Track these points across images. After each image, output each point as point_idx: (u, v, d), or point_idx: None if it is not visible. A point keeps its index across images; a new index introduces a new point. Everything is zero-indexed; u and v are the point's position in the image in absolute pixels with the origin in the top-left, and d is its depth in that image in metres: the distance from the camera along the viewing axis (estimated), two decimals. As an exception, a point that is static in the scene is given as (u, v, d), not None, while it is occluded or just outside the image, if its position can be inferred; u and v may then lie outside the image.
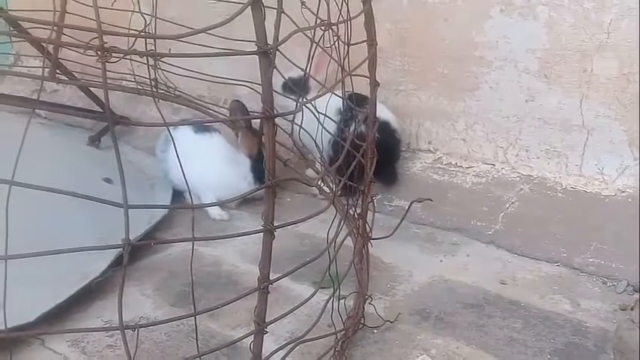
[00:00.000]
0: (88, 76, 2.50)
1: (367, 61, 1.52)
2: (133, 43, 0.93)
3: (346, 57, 1.37)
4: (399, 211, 2.13)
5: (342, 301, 1.45)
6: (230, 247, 1.94)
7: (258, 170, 2.12)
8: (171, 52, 1.05)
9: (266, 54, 0.97)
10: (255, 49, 0.96)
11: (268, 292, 1.08)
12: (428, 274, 1.78)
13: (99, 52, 0.86)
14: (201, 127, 2.21)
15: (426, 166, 2.21)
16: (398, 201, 2.15)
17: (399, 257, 1.85)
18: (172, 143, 2.16)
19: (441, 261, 1.85)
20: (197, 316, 1.56)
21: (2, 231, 1.65)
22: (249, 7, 0.95)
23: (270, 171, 1.02)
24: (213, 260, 1.87)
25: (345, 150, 1.38)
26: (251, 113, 2.10)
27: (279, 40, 1.00)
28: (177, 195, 2.23)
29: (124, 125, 2.73)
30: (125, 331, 0.95)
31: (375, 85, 1.56)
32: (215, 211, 2.16)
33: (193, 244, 0.99)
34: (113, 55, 0.87)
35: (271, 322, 1.10)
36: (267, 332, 1.10)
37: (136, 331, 0.95)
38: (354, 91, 1.55)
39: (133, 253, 1.86)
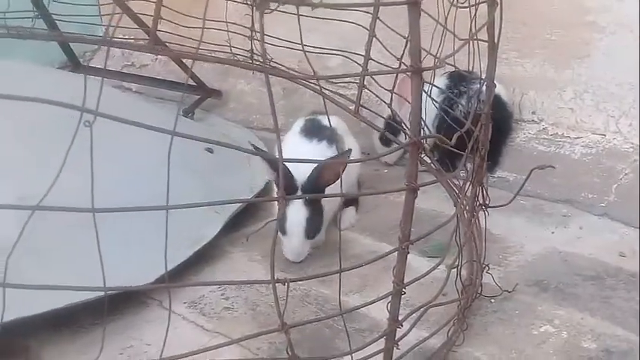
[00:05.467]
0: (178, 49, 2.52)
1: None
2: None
3: (474, 19, 1.33)
4: (502, 182, 2.07)
5: (454, 270, 1.42)
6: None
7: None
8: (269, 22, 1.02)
9: (416, 4, 0.94)
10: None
11: (408, 252, 1.06)
12: (540, 245, 1.72)
13: (255, 2, 0.85)
14: (310, 132, 1.82)
15: (530, 137, 2.13)
16: (501, 172, 2.09)
17: (507, 228, 1.79)
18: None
19: (553, 233, 1.79)
20: (309, 281, 1.57)
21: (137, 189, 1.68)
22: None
23: (415, 126, 0.99)
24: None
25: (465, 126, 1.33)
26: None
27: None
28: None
29: (216, 98, 2.76)
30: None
31: (493, 48, 1.51)
32: None
33: (341, 199, 0.98)
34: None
35: (410, 283, 1.08)
36: (404, 293, 1.09)
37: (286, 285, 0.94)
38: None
39: (238, 221, 1.89)
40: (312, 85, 2.10)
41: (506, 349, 1.33)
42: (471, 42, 1.33)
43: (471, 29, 1.29)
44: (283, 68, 2.50)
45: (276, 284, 0.91)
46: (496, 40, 1.45)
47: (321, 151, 1.70)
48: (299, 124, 1.84)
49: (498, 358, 1.30)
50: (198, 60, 0.97)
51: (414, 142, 0.98)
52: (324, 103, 1.01)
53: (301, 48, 2.12)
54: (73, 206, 0.82)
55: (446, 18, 1.29)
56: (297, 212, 1.61)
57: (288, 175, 1.54)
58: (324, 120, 1.84)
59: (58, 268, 1.46)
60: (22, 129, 1.74)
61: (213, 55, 2.55)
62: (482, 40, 1.46)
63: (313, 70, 0.98)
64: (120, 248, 1.54)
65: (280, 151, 0.86)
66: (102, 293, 0.89)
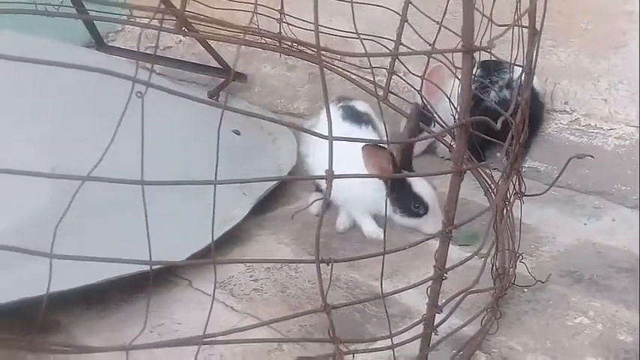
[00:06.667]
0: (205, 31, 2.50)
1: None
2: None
3: (518, 3, 1.31)
4: (532, 172, 2.05)
5: (488, 259, 1.40)
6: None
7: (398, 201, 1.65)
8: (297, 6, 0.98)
9: (471, -18, 0.92)
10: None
11: (451, 237, 1.04)
12: (572, 236, 1.70)
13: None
14: (353, 118, 1.78)
15: (561, 127, 2.10)
16: (531, 162, 2.07)
17: (539, 219, 1.77)
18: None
19: (585, 224, 1.76)
20: (339, 266, 1.56)
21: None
22: None
23: (465, 108, 0.97)
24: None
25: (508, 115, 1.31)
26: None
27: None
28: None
29: (241, 81, 2.75)
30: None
31: (535, 34, 1.48)
32: (370, 229, 1.75)
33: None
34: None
35: (451, 269, 1.06)
36: (446, 278, 1.07)
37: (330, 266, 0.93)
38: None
39: (266, 203, 1.88)
40: (347, 72, 2.06)
41: (541, 339, 1.31)
42: (514, 28, 1.31)
43: (515, 14, 1.27)
44: (310, 51, 2.47)
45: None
46: (539, 27, 1.42)
47: (369, 135, 1.71)
48: (335, 111, 1.78)
49: (532, 348, 1.29)
50: (246, 45, 0.94)
51: (463, 123, 0.96)
52: (375, 89, 0.99)
53: (329, 32, 2.10)
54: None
55: (491, 7, 1.27)
56: (428, 185, 1.64)
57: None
58: (356, 105, 1.83)
59: (89, 243, 1.45)
60: (56, 101, 1.73)
61: (239, 38, 2.55)
62: (525, 26, 1.44)
63: (365, 50, 0.96)
64: (153, 225, 1.53)
65: (330, 130, 0.84)
66: (145, 267, 0.87)
